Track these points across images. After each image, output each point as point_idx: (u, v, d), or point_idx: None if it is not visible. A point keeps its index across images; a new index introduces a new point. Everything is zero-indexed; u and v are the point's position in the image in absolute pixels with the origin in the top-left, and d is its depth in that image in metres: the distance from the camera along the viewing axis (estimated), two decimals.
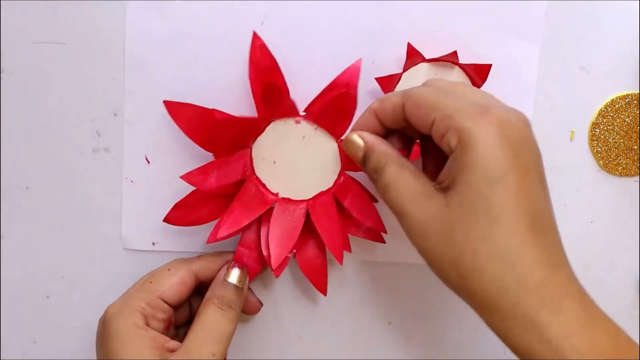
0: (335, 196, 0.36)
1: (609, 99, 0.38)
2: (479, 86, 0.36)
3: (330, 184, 0.36)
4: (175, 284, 0.34)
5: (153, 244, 0.38)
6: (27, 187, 0.37)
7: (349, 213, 0.36)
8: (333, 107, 0.34)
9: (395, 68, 0.36)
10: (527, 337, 0.26)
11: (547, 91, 0.38)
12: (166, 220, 0.35)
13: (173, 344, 0.33)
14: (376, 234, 0.37)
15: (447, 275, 0.28)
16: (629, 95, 0.38)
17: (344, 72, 0.35)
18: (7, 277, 0.38)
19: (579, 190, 0.39)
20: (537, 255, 0.26)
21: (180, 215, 0.35)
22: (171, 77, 0.36)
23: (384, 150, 0.31)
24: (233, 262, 0.35)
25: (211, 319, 0.33)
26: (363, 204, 0.36)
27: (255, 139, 0.35)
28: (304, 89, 0.35)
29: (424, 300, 0.40)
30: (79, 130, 0.37)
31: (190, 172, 0.34)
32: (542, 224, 0.27)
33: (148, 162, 0.37)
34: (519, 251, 0.26)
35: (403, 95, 0.30)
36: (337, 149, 0.36)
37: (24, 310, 0.38)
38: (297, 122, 0.35)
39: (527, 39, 0.37)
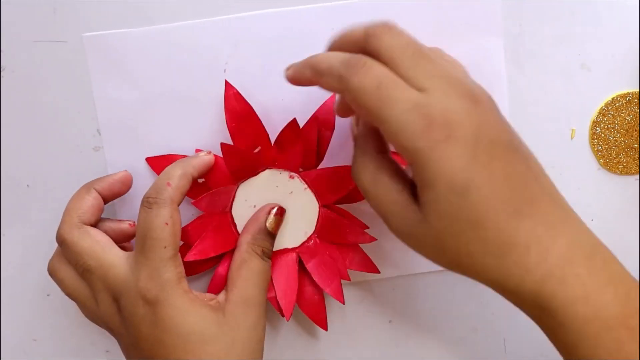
0: (299, 256, 0.36)
1: (609, 97, 0.38)
2: None
3: (297, 244, 0.36)
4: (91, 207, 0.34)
5: None
6: (27, 185, 0.37)
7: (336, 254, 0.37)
8: (285, 140, 0.35)
9: None
10: (535, 311, 0.27)
11: (548, 89, 0.38)
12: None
13: (208, 295, 0.33)
14: (370, 266, 0.37)
15: (449, 269, 0.29)
16: (629, 93, 0.38)
17: (319, 110, 0.35)
18: (7, 274, 0.38)
19: (579, 188, 0.39)
20: (527, 236, 0.26)
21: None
22: (150, 138, 0.36)
23: (362, 147, 0.30)
24: (276, 208, 0.35)
25: (260, 268, 0.34)
26: (325, 270, 0.36)
27: (245, 180, 0.36)
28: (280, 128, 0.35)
29: (424, 300, 0.40)
30: (80, 128, 0.37)
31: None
32: (528, 199, 0.27)
33: None
34: (509, 240, 0.26)
35: (340, 80, 0.27)
36: (317, 214, 0.36)
37: (24, 308, 0.39)
38: (291, 177, 0.36)
39: (490, 32, 0.37)
